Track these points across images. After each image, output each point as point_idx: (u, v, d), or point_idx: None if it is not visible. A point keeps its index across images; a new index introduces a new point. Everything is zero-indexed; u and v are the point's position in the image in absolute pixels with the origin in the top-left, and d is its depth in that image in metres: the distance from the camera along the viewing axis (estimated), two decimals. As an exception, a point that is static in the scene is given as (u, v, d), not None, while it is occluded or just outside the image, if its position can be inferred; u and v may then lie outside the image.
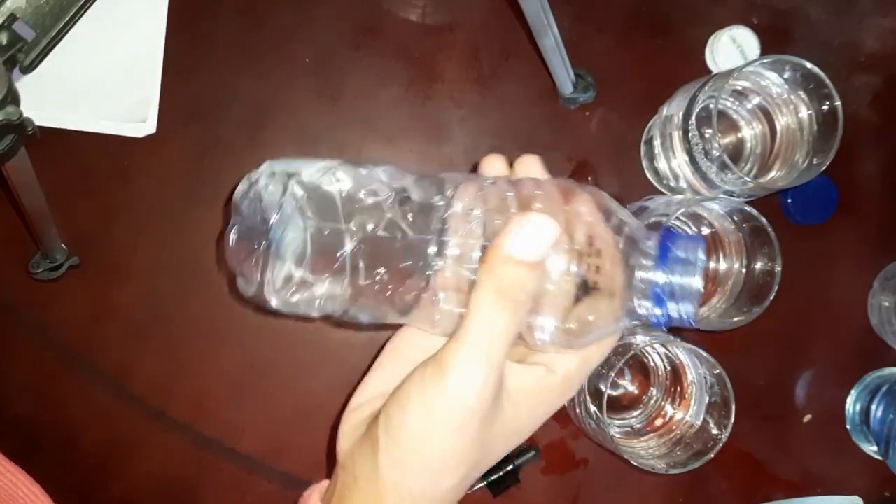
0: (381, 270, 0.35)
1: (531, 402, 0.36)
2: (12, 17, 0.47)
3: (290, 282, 0.35)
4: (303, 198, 0.35)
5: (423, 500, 0.35)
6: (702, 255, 0.35)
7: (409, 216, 0.36)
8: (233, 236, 0.37)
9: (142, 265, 0.68)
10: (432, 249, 0.35)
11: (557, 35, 0.63)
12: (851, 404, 0.72)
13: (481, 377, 0.33)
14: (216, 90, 0.70)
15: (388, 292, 0.36)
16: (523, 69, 0.71)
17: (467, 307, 0.34)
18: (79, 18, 0.50)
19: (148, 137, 0.69)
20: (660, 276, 0.35)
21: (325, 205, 0.35)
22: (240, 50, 0.70)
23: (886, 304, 0.72)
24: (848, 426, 0.73)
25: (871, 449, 0.72)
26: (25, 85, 0.47)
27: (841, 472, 0.72)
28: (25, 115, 0.46)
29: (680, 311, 0.35)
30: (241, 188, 0.37)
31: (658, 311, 0.35)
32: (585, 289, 0.35)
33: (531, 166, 0.40)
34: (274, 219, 0.35)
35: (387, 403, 0.35)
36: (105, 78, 0.69)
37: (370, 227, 0.35)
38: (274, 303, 0.36)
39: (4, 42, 0.46)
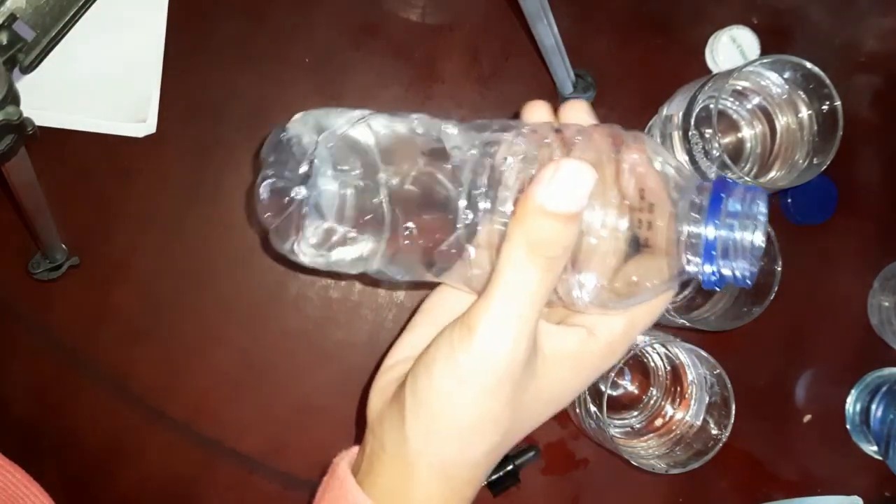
0: (415, 224, 0.33)
1: (569, 366, 0.33)
2: (12, 17, 0.47)
3: (325, 236, 0.34)
4: (337, 148, 0.34)
5: (455, 467, 0.33)
6: (762, 208, 0.31)
7: (446, 166, 0.33)
8: (264, 190, 0.34)
9: (142, 265, 0.68)
10: (462, 202, 0.32)
11: (557, 35, 0.63)
12: (851, 404, 0.72)
13: (512, 336, 0.30)
14: (216, 90, 0.70)
15: (423, 248, 0.34)
16: (523, 69, 0.71)
17: (497, 262, 0.31)
18: (79, 18, 0.50)
19: (148, 137, 0.69)
20: (710, 230, 0.30)
21: (359, 156, 0.33)
22: (240, 50, 0.70)
23: (886, 304, 0.72)
24: (848, 426, 0.73)
25: (871, 449, 0.72)
26: (25, 85, 0.47)
27: (841, 472, 0.72)
28: (25, 115, 0.46)
29: (735, 269, 0.31)
30: (270, 140, 0.35)
31: (708, 269, 0.31)
32: (636, 247, 0.31)
33: (578, 112, 0.36)
34: (308, 171, 0.33)
35: (414, 366, 0.33)
36: (105, 78, 0.69)
37: (405, 178, 0.33)
38: (307, 259, 0.35)
39: (4, 42, 0.46)
